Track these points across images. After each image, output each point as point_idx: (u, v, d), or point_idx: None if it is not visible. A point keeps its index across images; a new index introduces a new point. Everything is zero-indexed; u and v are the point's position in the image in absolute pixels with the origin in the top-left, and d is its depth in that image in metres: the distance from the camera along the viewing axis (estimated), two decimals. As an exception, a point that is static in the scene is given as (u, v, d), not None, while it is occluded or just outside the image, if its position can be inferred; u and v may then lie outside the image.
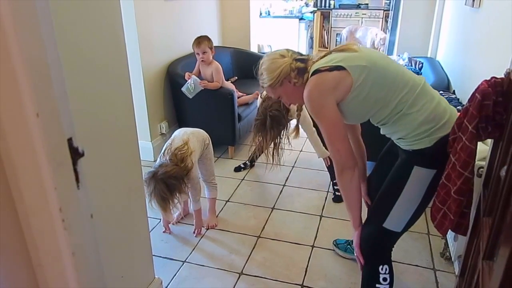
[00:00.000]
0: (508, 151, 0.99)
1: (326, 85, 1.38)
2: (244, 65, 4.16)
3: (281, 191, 2.89)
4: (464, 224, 1.33)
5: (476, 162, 1.32)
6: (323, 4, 8.32)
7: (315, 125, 2.69)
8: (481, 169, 1.53)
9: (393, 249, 1.61)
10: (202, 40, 3.20)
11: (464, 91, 2.72)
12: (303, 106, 1.76)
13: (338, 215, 2.58)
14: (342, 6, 8.30)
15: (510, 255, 0.71)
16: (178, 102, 3.49)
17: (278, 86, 1.50)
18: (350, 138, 1.62)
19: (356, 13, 8.18)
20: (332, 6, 8.31)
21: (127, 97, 1.50)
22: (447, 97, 2.67)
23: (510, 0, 2.01)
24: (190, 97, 3.14)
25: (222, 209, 2.65)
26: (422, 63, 3.54)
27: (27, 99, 0.75)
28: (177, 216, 2.51)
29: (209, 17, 4.18)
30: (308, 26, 7.39)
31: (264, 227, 2.46)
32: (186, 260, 2.17)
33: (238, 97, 3.42)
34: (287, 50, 1.54)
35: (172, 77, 3.38)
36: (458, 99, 2.76)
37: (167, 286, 1.99)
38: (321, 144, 2.73)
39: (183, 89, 3.14)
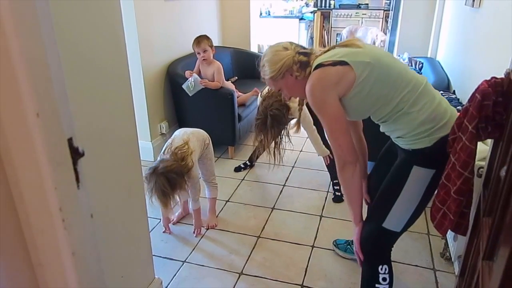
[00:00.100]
0: (508, 151, 0.99)
1: (328, 79, 1.37)
2: (244, 65, 4.17)
3: (281, 191, 2.89)
4: (464, 224, 1.33)
5: (476, 162, 1.32)
6: (323, 4, 8.32)
7: (315, 124, 2.69)
8: (481, 169, 1.53)
9: (392, 249, 1.61)
10: (201, 39, 3.21)
11: (464, 91, 2.72)
12: (305, 101, 1.75)
13: (338, 215, 2.58)
14: (342, 6, 8.30)
15: (510, 255, 0.71)
16: (178, 102, 3.49)
17: (280, 78, 1.49)
18: (352, 135, 1.61)
19: (356, 13, 8.18)
20: (332, 6, 8.31)
21: (127, 97, 1.50)
22: (447, 97, 2.67)
23: (510, 0, 2.01)
24: (190, 94, 3.15)
25: (222, 209, 2.65)
26: (422, 63, 3.54)
27: (27, 99, 0.75)
28: (177, 216, 2.51)
29: (209, 17, 4.19)
30: (308, 26, 7.39)
31: (264, 227, 2.46)
32: (186, 260, 2.17)
33: (238, 97, 3.42)
34: (291, 43, 1.53)
35: (172, 77, 3.38)
36: (458, 99, 2.76)
37: (167, 286, 1.99)
38: (321, 143, 2.73)
39: (184, 86, 3.15)
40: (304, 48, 1.52)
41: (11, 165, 0.81)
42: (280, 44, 1.53)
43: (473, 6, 2.74)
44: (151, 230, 2.39)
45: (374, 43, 6.44)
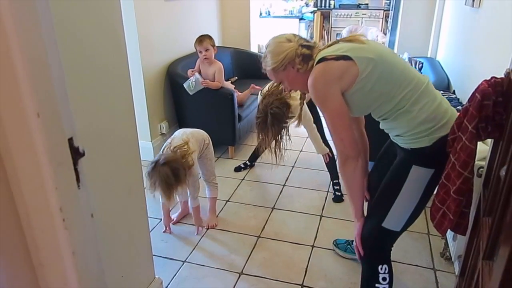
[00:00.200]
0: (508, 151, 0.99)
1: (331, 74, 1.37)
2: (244, 65, 4.17)
3: (281, 191, 2.89)
4: (464, 224, 1.33)
5: (476, 162, 1.32)
6: (323, 4, 8.32)
7: (315, 122, 2.69)
8: (481, 169, 1.53)
9: (392, 248, 1.62)
10: (204, 38, 3.22)
11: (464, 91, 2.72)
12: (306, 96, 1.74)
13: (338, 215, 2.58)
14: (342, 6, 8.30)
15: (510, 255, 0.71)
16: (178, 102, 3.49)
17: (281, 70, 1.49)
18: (354, 130, 1.61)
19: (356, 13, 8.18)
20: (332, 6, 8.31)
21: (127, 97, 1.50)
22: (447, 97, 2.67)
23: (510, 0, 2.01)
24: (191, 93, 3.15)
25: (222, 209, 2.66)
26: (422, 63, 3.54)
27: (28, 99, 0.75)
28: (177, 216, 2.52)
29: (209, 17, 4.19)
30: (308, 26, 7.40)
31: (264, 227, 2.46)
32: (186, 260, 2.17)
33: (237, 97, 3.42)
34: (294, 35, 1.52)
35: (173, 77, 3.39)
36: (458, 99, 2.76)
37: (167, 286, 2.00)
38: (321, 141, 2.73)
39: (185, 85, 3.16)
40: (307, 41, 1.51)
41: (11, 165, 0.81)
42: (283, 35, 1.51)
43: (473, 6, 2.74)
44: (151, 230, 2.39)
45: (374, 43, 6.43)
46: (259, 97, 2.54)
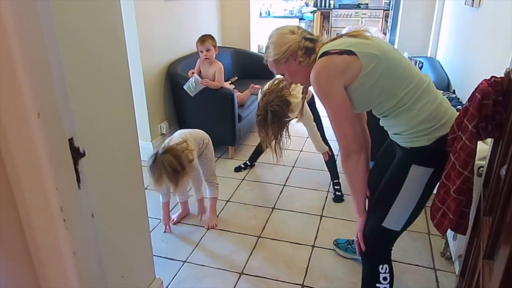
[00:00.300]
0: (508, 150, 0.99)
1: (335, 67, 1.36)
2: (244, 65, 4.17)
3: (282, 191, 2.89)
4: (464, 223, 1.33)
5: (476, 162, 1.32)
6: (323, 4, 8.33)
7: (314, 120, 2.69)
8: (481, 169, 1.53)
9: (393, 248, 1.62)
10: (206, 38, 3.23)
11: (464, 90, 2.72)
12: (307, 92, 1.73)
13: (338, 215, 2.58)
14: (342, 6, 8.31)
15: (510, 254, 0.71)
16: (178, 102, 3.50)
17: (283, 62, 1.48)
18: (357, 126, 1.60)
19: (356, 13, 8.19)
20: (332, 6, 8.32)
21: (127, 97, 1.50)
22: (447, 97, 2.67)
23: (510, 0, 2.01)
24: (192, 95, 3.15)
25: (222, 209, 2.66)
26: (422, 63, 3.54)
27: (28, 99, 0.75)
28: (177, 216, 2.52)
29: (209, 17, 4.19)
30: (308, 26, 7.40)
31: (264, 227, 2.46)
32: (187, 260, 2.17)
33: (237, 97, 3.42)
34: (298, 27, 1.51)
35: (173, 77, 3.39)
36: (458, 99, 2.76)
37: (168, 286, 2.00)
38: (321, 139, 2.73)
39: (185, 87, 3.15)
40: (310, 34, 1.50)
41: (12, 165, 0.81)
42: (287, 27, 1.50)
43: (472, 5, 2.74)
44: (152, 230, 2.39)
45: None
46: (259, 95, 2.54)
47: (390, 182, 1.50)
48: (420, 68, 3.48)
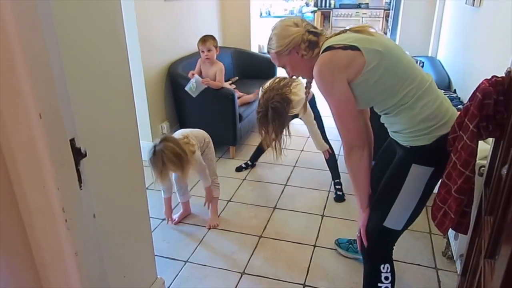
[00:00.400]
0: (509, 150, 0.99)
1: (338, 62, 1.35)
2: (244, 65, 4.17)
3: (283, 190, 2.89)
4: (465, 223, 1.33)
5: (477, 161, 1.32)
6: (323, 4, 8.32)
7: (315, 118, 2.69)
8: (482, 168, 1.53)
9: (394, 248, 1.62)
10: (207, 38, 3.24)
11: (465, 90, 2.72)
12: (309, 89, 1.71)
13: (340, 214, 2.58)
14: (342, 6, 8.31)
15: (512, 253, 0.71)
16: (179, 103, 3.50)
17: (285, 54, 1.47)
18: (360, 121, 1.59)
19: (356, 12, 8.18)
20: (332, 6, 8.31)
21: (128, 97, 1.51)
22: (448, 96, 2.66)
23: (511, -1, 2.01)
24: (194, 96, 3.15)
25: (223, 209, 2.66)
26: (423, 62, 3.54)
27: (30, 100, 0.75)
28: (179, 216, 2.52)
29: (210, 17, 4.19)
30: (309, 25, 7.38)
31: (265, 227, 2.46)
32: (188, 260, 2.18)
33: (239, 97, 3.43)
34: (302, 20, 1.49)
35: (173, 78, 3.39)
36: (459, 98, 2.76)
37: (170, 286, 2.00)
38: (321, 137, 2.73)
39: (186, 88, 3.15)
40: (314, 27, 1.49)
41: (14, 166, 0.81)
42: (291, 19, 1.49)
43: (473, 5, 2.74)
44: (153, 230, 2.39)
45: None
46: (260, 92, 2.54)
47: (390, 182, 1.49)
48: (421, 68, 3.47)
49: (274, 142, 2.49)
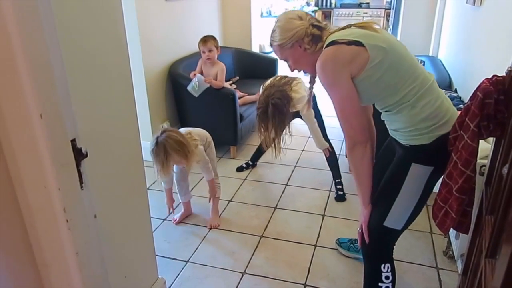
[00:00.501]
0: (510, 149, 0.99)
1: (342, 57, 1.34)
2: (245, 65, 4.17)
3: (284, 190, 2.89)
4: (466, 222, 1.33)
5: (478, 161, 1.32)
6: (324, 4, 8.32)
7: (315, 117, 2.69)
8: (483, 168, 1.52)
9: (394, 247, 1.62)
10: (208, 39, 3.24)
11: (466, 89, 2.72)
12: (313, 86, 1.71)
13: (340, 214, 2.58)
14: (343, 5, 8.30)
15: (512, 253, 0.71)
16: (180, 102, 3.50)
17: (288, 48, 1.46)
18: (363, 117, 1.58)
19: (357, 12, 8.18)
20: (333, 6, 8.31)
21: (129, 97, 1.51)
22: (449, 96, 2.66)
23: (512, -2, 2.01)
24: (196, 95, 3.14)
25: (224, 209, 2.66)
26: (424, 62, 3.53)
27: (31, 100, 0.75)
28: (180, 216, 2.52)
29: (210, 17, 4.19)
30: (309, 25, 7.38)
31: (266, 227, 2.46)
32: (189, 260, 2.18)
33: (240, 97, 3.43)
34: (306, 13, 1.49)
35: (174, 78, 3.39)
36: (460, 98, 2.76)
37: (171, 286, 2.00)
38: (321, 135, 2.73)
39: (189, 88, 3.15)
40: (318, 21, 1.48)
41: (15, 166, 0.82)
42: (295, 12, 1.48)
43: (474, 4, 2.73)
44: (154, 230, 2.39)
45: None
46: (261, 89, 2.53)
47: (390, 181, 1.49)
48: (422, 67, 3.47)
49: (273, 140, 2.48)
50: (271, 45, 1.53)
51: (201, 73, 3.34)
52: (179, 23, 3.56)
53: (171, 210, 2.46)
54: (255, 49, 4.70)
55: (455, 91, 2.94)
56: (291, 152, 3.44)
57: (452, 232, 2.08)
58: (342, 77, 1.34)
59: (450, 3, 3.83)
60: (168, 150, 2.04)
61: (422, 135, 1.37)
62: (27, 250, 0.89)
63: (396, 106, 1.39)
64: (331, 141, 2.81)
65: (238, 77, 4.08)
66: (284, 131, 2.48)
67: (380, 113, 1.52)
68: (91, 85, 1.29)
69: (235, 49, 4.23)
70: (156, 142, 2.05)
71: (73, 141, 0.85)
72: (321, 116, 2.77)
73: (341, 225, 2.46)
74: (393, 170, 1.50)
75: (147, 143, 3.06)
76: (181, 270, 2.10)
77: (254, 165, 3.24)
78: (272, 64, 4.13)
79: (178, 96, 3.45)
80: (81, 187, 0.88)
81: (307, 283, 2.01)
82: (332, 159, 2.83)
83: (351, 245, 2.17)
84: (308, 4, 8.04)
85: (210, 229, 2.44)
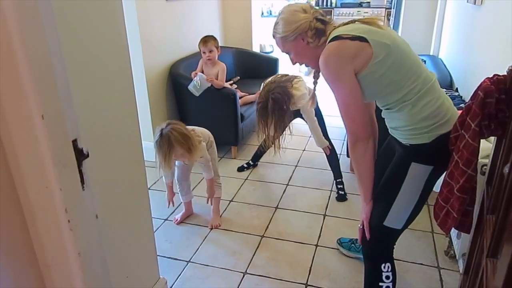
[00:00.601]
0: (511, 148, 0.99)
1: (346, 52, 1.33)
2: (246, 65, 4.17)
3: (285, 190, 2.89)
4: (467, 222, 1.33)
5: (479, 160, 1.32)
6: (324, 3, 8.31)
7: (316, 115, 2.69)
8: (485, 167, 1.52)
9: (395, 247, 1.61)
10: (208, 39, 3.24)
11: (467, 88, 2.72)
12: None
13: (341, 214, 2.58)
14: (344, 5, 8.29)
15: (514, 252, 0.71)
16: (181, 103, 3.50)
17: (291, 40, 1.45)
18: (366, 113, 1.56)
19: (358, 11, 8.16)
20: (334, 5, 8.30)
21: (130, 98, 1.51)
22: (450, 95, 2.66)
23: (513, -3, 2.01)
24: (197, 94, 3.14)
25: (225, 209, 2.66)
26: (425, 61, 3.53)
27: (32, 101, 0.76)
28: (181, 216, 2.52)
29: (211, 17, 4.19)
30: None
31: (267, 227, 2.46)
32: (191, 260, 2.18)
33: (240, 97, 3.43)
34: (310, 6, 1.48)
35: (175, 78, 3.39)
36: (461, 97, 2.75)
37: (172, 286, 2.00)
38: (321, 134, 2.73)
39: (190, 87, 3.14)
40: (322, 15, 1.47)
41: (17, 167, 0.82)
42: (299, 4, 1.47)
43: (475, 3, 2.73)
44: (156, 230, 2.39)
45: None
46: (262, 85, 2.53)
47: (390, 181, 1.49)
48: (423, 67, 3.46)
49: (273, 137, 2.46)
50: (273, 36, 1.52)
51: (202, 72, 3.34)
52: (179, 23, 3.56)
53: (171, 204, 2.45)
54: (255, 49, 4.70)
55: (456, 90, 2.94)
56: (292, 152, 3.44)
57: (453, 232, 2.08)
58: (345, 72, 1.33)
59: (451, 2, 3.82)
60: (172, 142, 2.04)
61: (422, 134, 1.37)
62: (29, 251, 0.89)
63: (398, 104, 1.39)
64: (332, 141, 2.81)
65: (239, 77, 4.08)
66: (285, 131, 2.48)
67: (381, 110, 1.52)
68: (92, 85, 1.29)
69: (236, 49, 4.23)
70: (161, 134, 2.05)
71: (74, 142, 0.85)
72: (321, 114, 2.77)
73: (342, 225, 2.46)
74: (392, 170, 1.49)
75: (148, 143, 3.06)
76: (183, 270, 2.11)
77: (255, 165, 3.24)
78: (273, 64, 4.13)
79: (179, 96, 3.45)
80: (83, 187, 0.88)
81: (308, 283, 2.01)
82: (332, 157, 2.82)
83: (352, 245, 2.17)
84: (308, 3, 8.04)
85: (211, 229, 2.44)
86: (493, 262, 0.95)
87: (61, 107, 0.81)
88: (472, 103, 1.16)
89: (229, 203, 2.73)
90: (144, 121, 3.14)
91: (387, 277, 1.55)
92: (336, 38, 1.35)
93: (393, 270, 1.56)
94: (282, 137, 2.51)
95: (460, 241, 1.95)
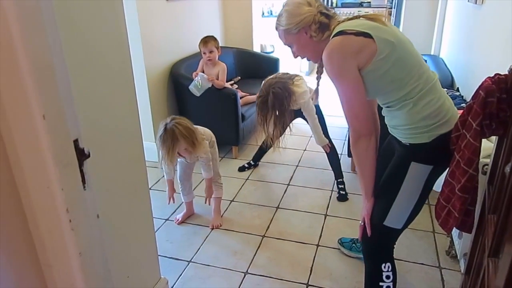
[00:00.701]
0: (512, 148, 0.99)
1: (349, 48, 1.32)
2: (247, 65, 4.17)
3: (286, 190, 2.89)
4: (469, 221, 1.33)
5: (481, 160, 1.31)
6: (325, 3, 8.31)
7: (316, 113, 2.69)
8: (486, 167, 1.52)
9: (395, 246, 1.61)
10: (209, 40, 3.25)
11: (468, 88, 2.71)
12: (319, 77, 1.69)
13: (343, 213, 2.58)
14: (344, 5, 8.30)
15: (515, 252, 0.71)
16: (181, 103, 3.50)
17: (294, 33, 1.44)
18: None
19: (358, 11, 8.16)
20: (334, 5, 8.30)
21: (131, 98, 1.51)
22: (451, 95, 2.66)
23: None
24: (198, 94, 3.13)
25: (226, 209, 2.66)
26: (426, 61, 3.52)
27: (33, 101, 0.76)
28: (182, 216, 2.52)
29: (212, 17, 4.19)
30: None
31: (268, 227, 2.46)
32: (192, 260, 2.18)
33: (241, 97, 3.43)
34: None
35: (176, 78, 3.39)
36: (462, 97, 2.75)
37: (173, 286, 2.00)
38: (321, 132, 2.73)
39: (191, 87, 3.14)
40: (327, 9, 1.46)
41: (18, 167, 0.82)
42: None
43: (476, 3, 2.73)
44: (157, 230, 2.40)
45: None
46: (263, 82, 2.53)
47: (390, 181, 1.49)
48: (424, 66, 3.46)
49: (272, 132, 2.45)
50: (276, 29, 1.50)
51: (203, 73, 3.34)
52: (180, 23, 3.56)
53: (171, 201, 2.44)
54: (256, 49, 4.70)
55: (457, 90, 2.94)
56: (293, 151, 3.44)
57: (454, 232, 2.08)
58: (349, 67, 1.32)
59: (452, 2, 3.82)
60: (176, 135, 2.04)
61: (421, 133, 1.37)
62: (30, 251, 0.89)
63: (399, 102, 1.38)
64: (333, 141, 2.81)
65: (239, 77, 4.08)
66: (285, 130, 2.47)
67: (380, 108, 1.51)
68: (93, 85, 1.30)
69: (237, 49, 4.23)
70: (165, 128, 2.06)
71: (75, 142, 0.85)
72: (321, 112, 2.77)
73: (343, 225, 2.46)
74: (392, 169, 1.49)
75: (149, 143, 3.06)
76: (184, 270, 2.11)
77: (256, 165, 3.24)
78: (274, 64, 4.13)
79: (180, 96, 3.45)
80: (84, 187, 0.88)
81: (309, 283, 2.01)
82: (333, 157, 2.82)
83: (353, 244, 2.17)
84: (309, 3, 8.03)
85: (212, 229, 2.44)
86: (495, 261, 0.95)
87: (62, 107, 0.81)
88: (473, 102, 1.15)
89: (230, 203, 2.73)
90: (145, 121, 3.14)
91: (388, 277, 1.55)
92: (341, 33, 1.34)
93: (394, 270, 1.56)
94: (282, 137, 2.51)
95: (462, 241, 1.95)
